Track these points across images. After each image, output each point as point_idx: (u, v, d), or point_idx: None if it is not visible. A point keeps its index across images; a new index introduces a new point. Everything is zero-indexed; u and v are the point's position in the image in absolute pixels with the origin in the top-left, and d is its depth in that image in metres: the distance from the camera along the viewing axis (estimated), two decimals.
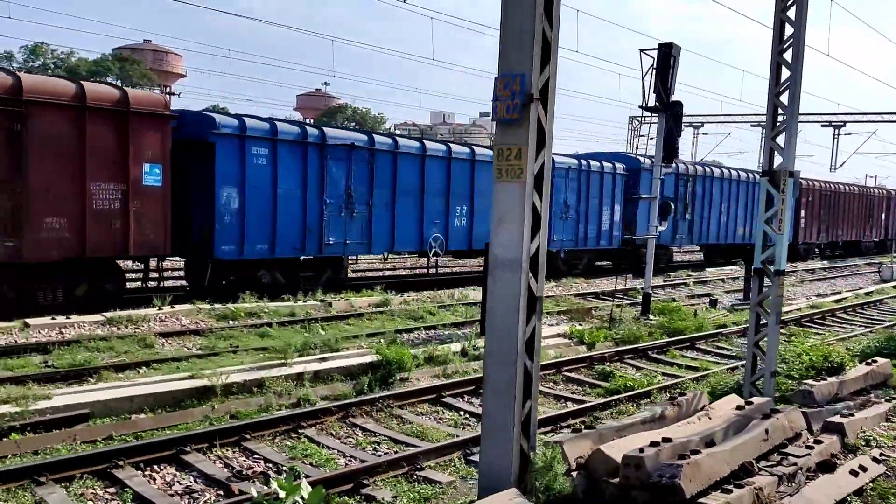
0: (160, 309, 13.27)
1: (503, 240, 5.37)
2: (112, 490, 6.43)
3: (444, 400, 9.48)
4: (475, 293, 18.82)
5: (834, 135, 54.83)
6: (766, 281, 8.82)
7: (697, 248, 35.42)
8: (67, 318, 12.12)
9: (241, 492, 6.42)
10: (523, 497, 5.37)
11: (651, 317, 16.06)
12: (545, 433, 8.13)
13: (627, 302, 17.37)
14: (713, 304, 19.32)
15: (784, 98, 8.60)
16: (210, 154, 14.67)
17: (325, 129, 17.26)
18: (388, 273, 24.18)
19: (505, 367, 5.44)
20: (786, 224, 8.53)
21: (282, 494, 5.59)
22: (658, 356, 12.78)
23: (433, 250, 19.28)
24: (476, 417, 8.89)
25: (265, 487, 6.30)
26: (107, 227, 13.22)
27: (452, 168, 19.56)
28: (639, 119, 62.34)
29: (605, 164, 25.08)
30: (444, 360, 11.05)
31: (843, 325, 17.17)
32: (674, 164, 21.80)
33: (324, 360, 10.16)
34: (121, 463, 6.73)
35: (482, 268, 24.30)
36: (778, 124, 8.75)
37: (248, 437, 7.64)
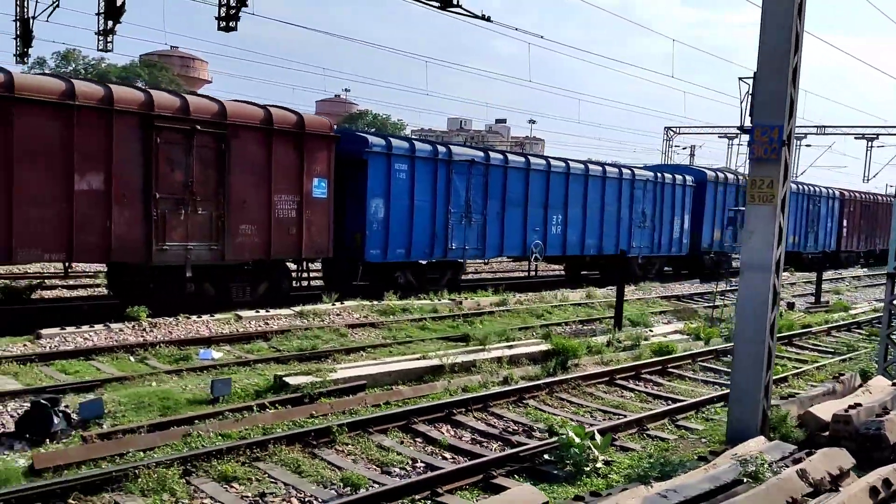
0: (332, 304, 15.30)
1: (754, 248, 7.31)
2: (419, 439, 8.39)
3: (616, 382, 11.40)
4: (573, 295, 20.74)
5: (867, 147, 56.48)
6: None
7: None
8: (267, 311, 14.15)
9: (518, 442, 8.35)
10: (769, 442, 7.30)
11: None
12: (723, 407, 10.04)
13: (724, 303, 19.17)
14: (790, 306, 21.12)
15: None
16: (363, 169, 16.70)
17: (451, 146, 19.27)
18: (489, 276, 26.17)
19: (754, 345, 7.37)
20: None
21: (577, 440, 7.56)
22: None
23: (534, 255, 21.24)
24: (651, 396, 10.81)
25: (547, 437, 8.25)
26: (286, 232, 15.26)
27: (551, 181, 21.52)
28: (674, 130, 64.16)
29: (677, 176, 26.95)
30: (599, 350, 12.98)
31: None
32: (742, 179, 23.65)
33: (510, 347, 12.13)
34: (415, 420, 8.70)
35: (565, 272, 26.32)
36: None
37: (490, 404, 9.60)
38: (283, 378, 9.41)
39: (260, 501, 6.43)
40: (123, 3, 16.12)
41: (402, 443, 8.18)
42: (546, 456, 7.54)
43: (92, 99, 12.59)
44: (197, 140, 13.70)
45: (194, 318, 13.22)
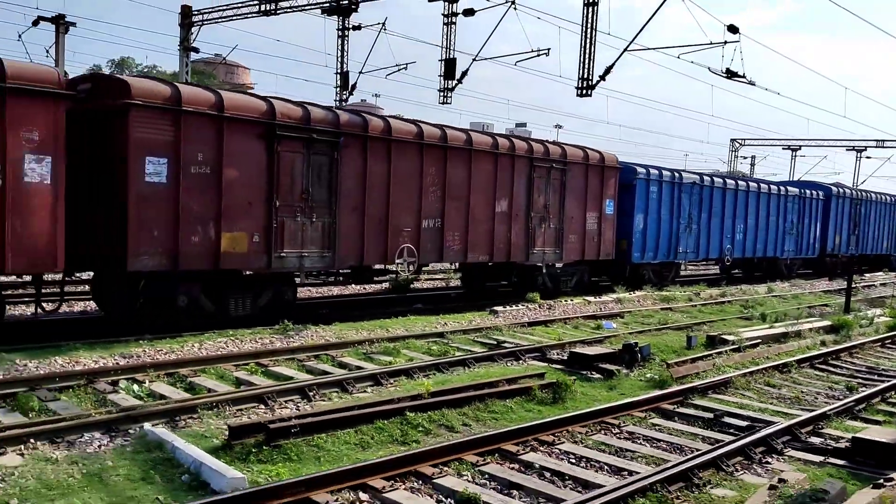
0: (628, 293, 20.49)
1: None
2: (818, 371, 13.45)
3: (886, 345, 16.46)
4: (760, 288, 25.83)
5: (856, 158, 63.50)
6: None
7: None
8: (598, 297, 19.35)
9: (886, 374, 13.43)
10: None
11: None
12: None
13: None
14: None
15: None
16: (631, 192, 21.89)
17: (682, 172, 24.48)
18: (684, 275, 31.28)
19: None
20: None
21: None
22: None
23: (727, 258, 26.39)
24: None
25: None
26: (591, 241, 20.46)
27: (738, 197, 26.70)
28: (739, 141, 69.19)
29: (813, 192, 32.12)
30: (850, 325, 18.03)
31: None
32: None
33: (798, 323, 17.20)
34: (802, 365, 13.77)
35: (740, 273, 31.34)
36: None
37: (841, 356, 14.67)
38: (721, 336, 14.54)
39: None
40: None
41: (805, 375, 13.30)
42: None
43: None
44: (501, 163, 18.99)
45: (577, 299, 18.45)
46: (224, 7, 28.24)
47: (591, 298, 19.16)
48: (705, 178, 25.38)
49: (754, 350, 14.26)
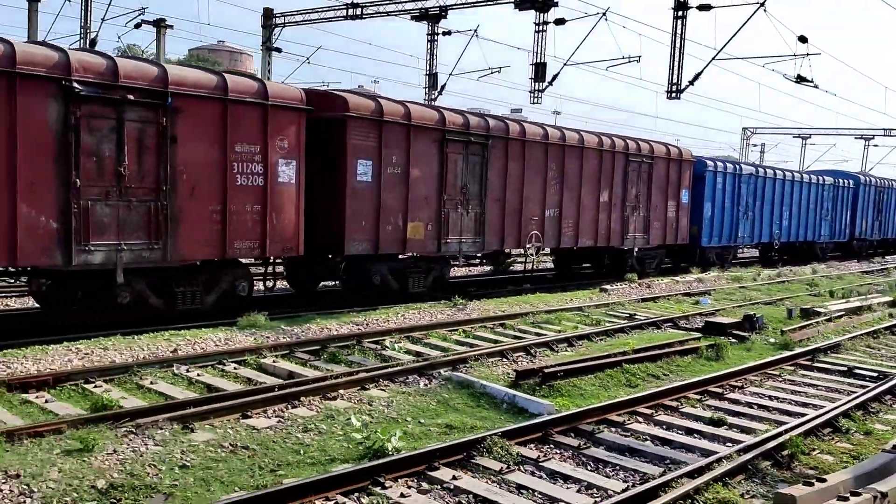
0: (709, 273, 23.03)
1: None
2: None
3: None
4: (805, 269, 28.46)
5: (864, 146, 66.85)
6: None
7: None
8: (683, 276, 21.87)
9: None
10: None
11: None
12: None
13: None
14: None
15: None
16: (702, 182, 24.40)
17: (741, 164, 26.99)
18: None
19: None
20: None
21: None
22: None
23: (775, 242, 29.00)
24: None
25: None
26: (670, 227, 22.98)
27: (785, 186, 29.26)
28: (751, 130, 71.83)
29: (846, 180, 34.78)
30: None
31: None
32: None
33: (866, 299, 19.78)
34: (887, 332, 16.35)
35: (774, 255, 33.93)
36: None
37: None
38: (814, 309, 17.09)
39: None
40: None
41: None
42: None
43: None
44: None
45: (666, 279, 20.96)
46: (308, 10, 30.35)
47: (678, 278, 21.71)
48: (759, 168, 27.90)
49: (841, 320, 16.82)
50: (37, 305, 13.04)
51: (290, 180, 13.07)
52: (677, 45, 20.64)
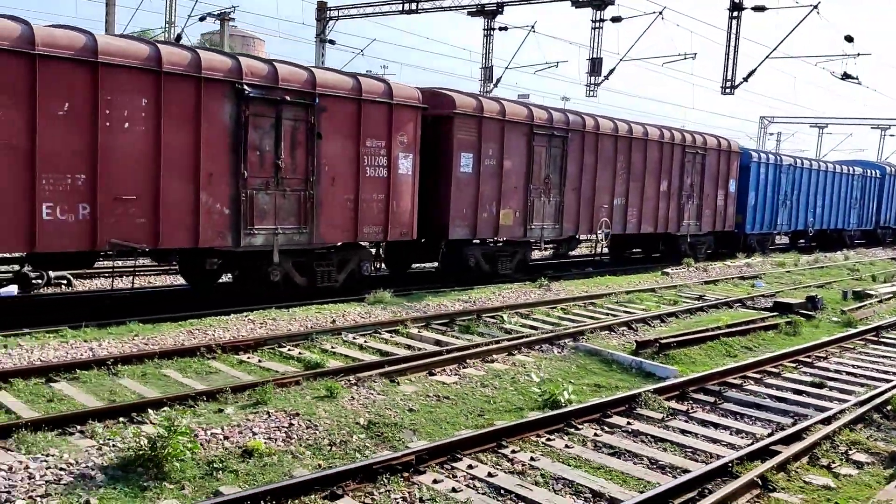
0: (757, 258, 24.45)
1: None
2: None
3: None
4: (839, 256, 29.84)
5: (881, 135, 68.20)
6: None
7: None
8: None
9: None
10: None
11: None
12: None
13: None
14: None
15: None
16: (747, 173, 25.78)
17: (781, 155, 28.33)
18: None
19: None
20: None
21: None
22: None
23: (810, 229, 30.40)
24: None
25: None
26: (719, 215, 24.38)
27: (819, 177, 30.63)
28: (768, 119, 72.96)
29: (870, 171, 36.14)
30: None
31: None
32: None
33: None
34: None
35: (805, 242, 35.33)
36: None
37: None
38: (866, 291, 18.51)
39: None
40: None
41: None
42: None
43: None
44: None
45: (718, 263, 22.40)
46: (363, 4, 31.60)
47: (728, 263, 23.13)
48: (797, 159, 29.27)
49: (891, 301, 18.25)
50: (183, 283, 14.49)
51: (408, 172, 14.48)
52: (732, 43, 21.94)
